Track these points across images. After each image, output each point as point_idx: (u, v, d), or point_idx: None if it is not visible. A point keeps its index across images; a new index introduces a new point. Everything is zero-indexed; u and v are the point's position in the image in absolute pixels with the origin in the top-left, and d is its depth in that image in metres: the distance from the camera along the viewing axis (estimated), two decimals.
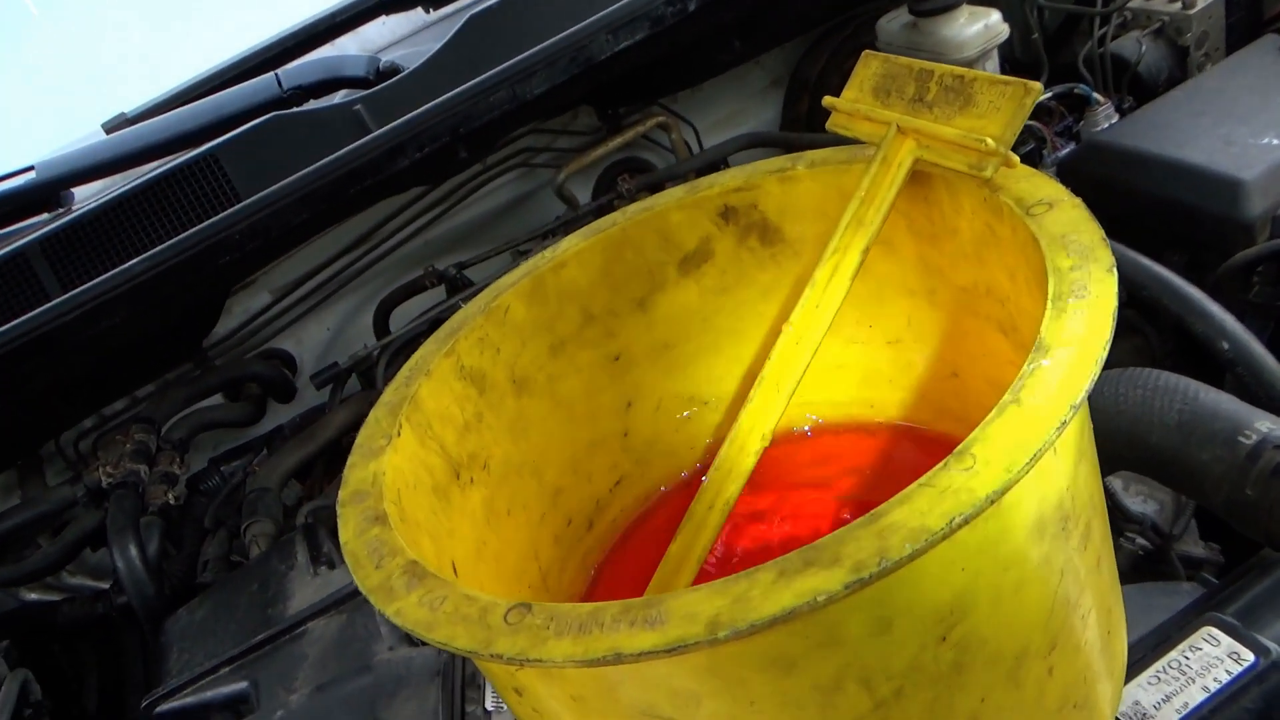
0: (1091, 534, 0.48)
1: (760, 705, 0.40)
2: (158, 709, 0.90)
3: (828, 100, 0.64)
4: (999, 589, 0.42)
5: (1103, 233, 0.48)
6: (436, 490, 0.55)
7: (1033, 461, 0.37)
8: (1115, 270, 0.45)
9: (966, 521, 0.36)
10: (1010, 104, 0.55)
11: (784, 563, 0.37)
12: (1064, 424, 0.38)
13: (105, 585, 1.24)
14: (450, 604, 0.40)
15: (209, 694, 0.90)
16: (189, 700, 0.90)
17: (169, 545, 1.20)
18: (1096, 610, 0.49)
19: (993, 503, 0.36)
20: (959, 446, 0.39)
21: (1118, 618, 0.53)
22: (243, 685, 0.88)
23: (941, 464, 0.38)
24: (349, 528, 0.47)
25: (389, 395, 0.56)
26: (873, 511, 0.37)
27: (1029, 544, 0.42)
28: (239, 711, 0.88)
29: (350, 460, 0.52)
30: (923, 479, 0.38)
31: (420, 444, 0.55)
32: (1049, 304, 0.44)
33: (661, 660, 0.36)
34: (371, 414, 0.55)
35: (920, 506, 0.37)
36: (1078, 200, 0.51)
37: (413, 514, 0.51)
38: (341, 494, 0.49)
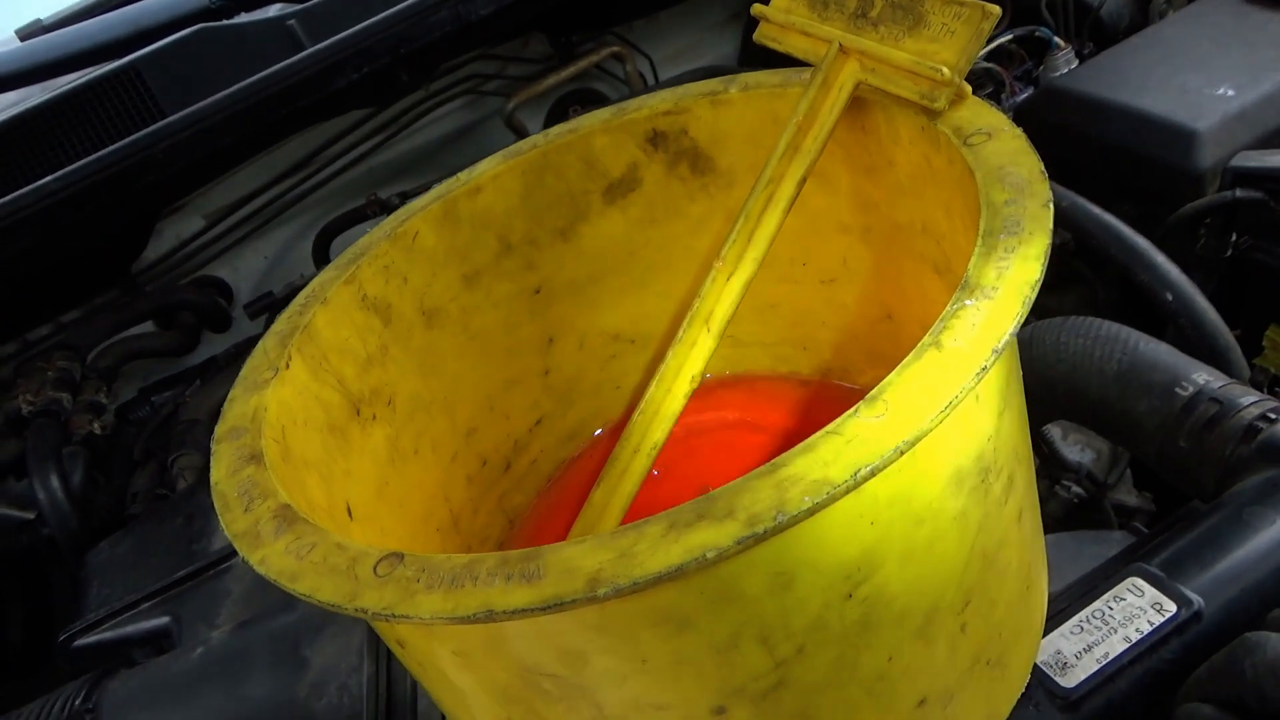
0: (1014, 486, 0.45)
1: (652, 664, 0.37)
2: (75, 643, 0.88)
3: (756, 8, 0.59)
4: (911, 544, 0.39)
5: (1042, 165, 0.44)
6: (332, 427, 0.52)
7: (948, 409, 0.34)
8: (1052, 206, 0.41)
9: (874, 474, 0.33)
10: (966, 28, 0.50)
11: (675, 515, 0.34)
12: (984, 369, 0.35)
13: (31, 516, 1.21)
14: (319, 553, 0.37)
15: (129, 629, 0.87)
16: (107, 635, 0.88)
17: (99, 476, 1.17)
18: (1016, 564, 0.47)
19: (902, 453, 0.33)
20: (871, 392, 0.36)
21: (1038, 571, 0.51)
22: (164, 620, 0.85)
23: (852, 410, 0.35)
24: (221, 466, 0.43)
25: (280, 324, 0.52)
26: (773, 461, 0.34)
27: (945, 497, 0.40)
28: (160, 647, 0.86)
29: (230, 394, 0.48)
30: (829, 426, 0.35)
31: (313, 377, 0.51)
32: (979, 240, 0.41)
33: (542, 617, 0.33)
34: (259, 344, 0.51)
35: (824, 456, 0.34)
36: (1018, 130, 0.47)
37: (300, 452, 0.47)
38: (217, 430, 0.45)
